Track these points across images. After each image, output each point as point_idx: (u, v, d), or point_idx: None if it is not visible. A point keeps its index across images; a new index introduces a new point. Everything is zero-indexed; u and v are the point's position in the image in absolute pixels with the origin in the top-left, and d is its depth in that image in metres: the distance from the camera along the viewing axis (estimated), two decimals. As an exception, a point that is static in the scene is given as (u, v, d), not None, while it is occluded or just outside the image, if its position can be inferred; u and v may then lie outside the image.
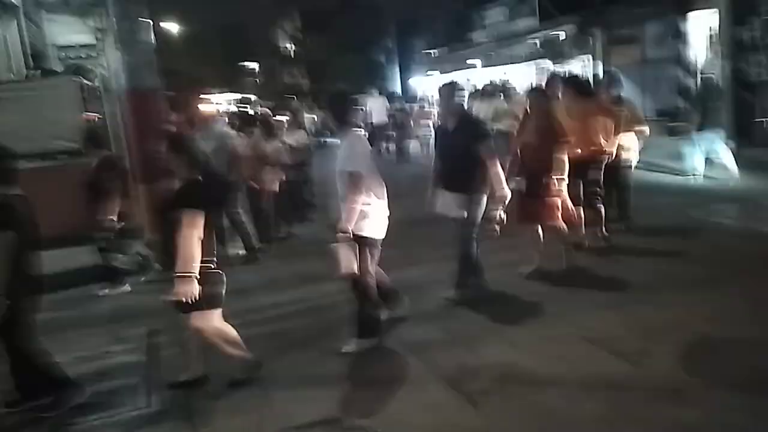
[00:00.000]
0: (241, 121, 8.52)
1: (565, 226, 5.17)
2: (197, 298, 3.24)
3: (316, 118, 18.29)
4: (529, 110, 5.28)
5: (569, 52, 14.04)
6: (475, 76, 17.63)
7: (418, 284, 5.11)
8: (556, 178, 4.89)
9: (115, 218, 5.48)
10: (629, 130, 5.93)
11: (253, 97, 38.68)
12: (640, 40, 12.58)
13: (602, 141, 5.59)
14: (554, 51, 14.53)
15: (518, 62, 15.98)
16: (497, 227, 4.57)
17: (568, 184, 5.14)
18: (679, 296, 4.49)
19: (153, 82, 6.09)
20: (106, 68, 12.34)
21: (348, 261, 3.75)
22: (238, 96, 39.00)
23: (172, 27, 26.99)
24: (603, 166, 5.69)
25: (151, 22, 6.40)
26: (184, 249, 3.21)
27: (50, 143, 6.41)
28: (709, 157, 8.70)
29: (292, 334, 4.49)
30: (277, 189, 7.06)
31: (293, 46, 36.82)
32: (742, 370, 3.35)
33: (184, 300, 3.20)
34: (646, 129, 6.17)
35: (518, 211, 4.97)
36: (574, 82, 6.03)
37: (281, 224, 7.63)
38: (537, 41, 15.23)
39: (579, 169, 5.37)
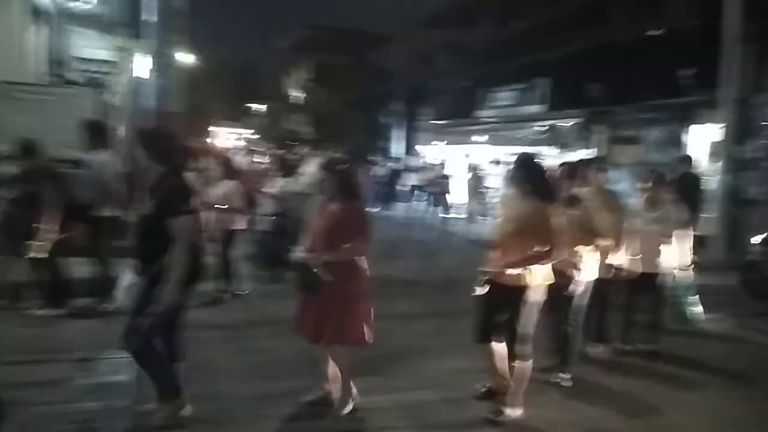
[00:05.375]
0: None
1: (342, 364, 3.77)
2: None
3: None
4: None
5: (573, 143, 14.46)
6: (480, 152, 18.03)
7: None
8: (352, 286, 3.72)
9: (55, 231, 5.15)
10: (585, 242, 4.39)
11: (255, 137, 39.25)
12: (642, 142, 13.04)
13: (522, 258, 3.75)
14: (558, 139, 14.96)
15: (522, 145, 16.37)
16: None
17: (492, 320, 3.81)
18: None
19: (178, 105, 6.13)
20: (124, 86, 12.54)
21: None
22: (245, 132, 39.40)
23: (187, 58, 27.43)
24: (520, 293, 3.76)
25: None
26: None
27: (59, 150, 6.36)
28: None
29: None
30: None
31: (302, 95, 37.52)
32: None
33: None
34: (606, 243, 4.58)
35: (299, 321, 3.82)
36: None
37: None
38: (543, 128, 15.71)
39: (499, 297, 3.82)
